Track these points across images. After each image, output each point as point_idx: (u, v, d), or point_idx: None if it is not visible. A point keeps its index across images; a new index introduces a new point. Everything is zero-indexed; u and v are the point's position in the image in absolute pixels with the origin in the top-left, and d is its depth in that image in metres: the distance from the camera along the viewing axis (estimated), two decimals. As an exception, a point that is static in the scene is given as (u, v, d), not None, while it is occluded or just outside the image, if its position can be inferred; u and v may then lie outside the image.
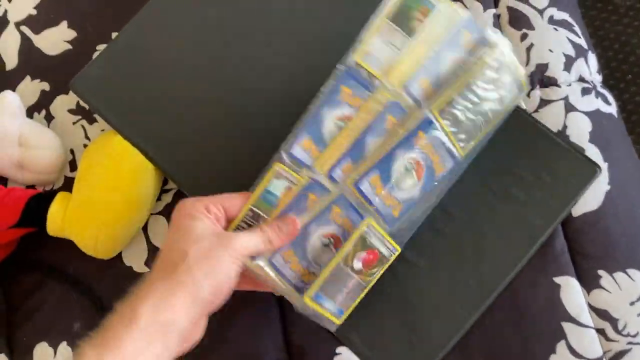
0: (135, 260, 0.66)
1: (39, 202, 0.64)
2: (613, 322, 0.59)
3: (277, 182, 0.54)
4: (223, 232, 0.51)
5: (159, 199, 0.68)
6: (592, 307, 0.60)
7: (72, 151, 0.71)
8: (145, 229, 0.67)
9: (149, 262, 0.66)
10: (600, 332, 0.60)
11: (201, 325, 0.52)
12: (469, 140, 0.57)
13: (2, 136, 0.66)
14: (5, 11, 0.76)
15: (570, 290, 0.60)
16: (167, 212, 0.67)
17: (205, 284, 0.48)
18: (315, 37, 0.65)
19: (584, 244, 0.62)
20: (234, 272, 0.50)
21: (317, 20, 0.66)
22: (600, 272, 0.61)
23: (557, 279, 0.61)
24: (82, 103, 0.71)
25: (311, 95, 0.56)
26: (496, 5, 0.71)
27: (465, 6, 0.70)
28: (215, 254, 0.49)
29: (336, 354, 0.61)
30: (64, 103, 0.72)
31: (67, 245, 0.65)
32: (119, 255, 0.66)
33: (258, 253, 0.52)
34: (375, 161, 0.54)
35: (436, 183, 0.56)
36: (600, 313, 0.60)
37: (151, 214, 0.67)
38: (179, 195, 0.67)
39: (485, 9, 0.70)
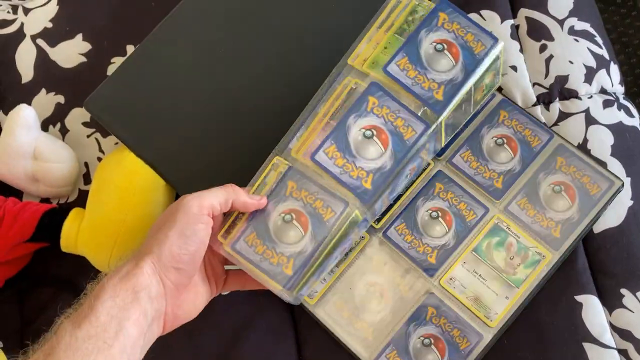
0: (148, 274, 0.66)
1: (52, 218, 0.64)
2: (636, 343, 0.58)
3: (273, 173, 0.55)
4: (184, 196, 0.52)
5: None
6: (614, 327, 0.59)
7: (86, 164, 0.71)
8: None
9: (161, 277, 0.65)
10: (623, 353, 0.58)
11: (190, 301, 0.53)
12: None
13: (17, 149, 0.66)
14: (22, 24, 0.77)
15: (592, 310, 0.59)
16: (180, 226, 0.67)
17: (164, 250, 0.49)
18: (315, 51, 0.65)
19: (606, 262, 0.60)
20: (196, 233, 0.50)
21: (315, 34, 0.66)
22: (623, 291, 0.59)
23: (579, 298, 0.59)
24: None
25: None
26: (514, 16, 0.69)
27: (482, 17, 0.68)
28: (170, 219, 0.50)
29: (349, 373, 0.60)
30: (78, 116, 0.72)
31: (80, 260, 0.65)
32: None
33: (220, 205, 0.52)
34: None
35: (413, 148, 0.54)
36: (623, 333, 0.58)
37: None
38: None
39: (502, 20, 0.68)
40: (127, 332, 0.46)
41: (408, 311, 0.60)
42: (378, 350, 0.59)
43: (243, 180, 0.58)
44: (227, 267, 0.59)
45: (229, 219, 0.55)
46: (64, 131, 0.72)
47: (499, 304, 0.58)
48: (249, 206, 0.54)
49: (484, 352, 0.58)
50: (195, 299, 0.54)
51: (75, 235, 0.63)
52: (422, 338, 0.59)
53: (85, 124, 0.72)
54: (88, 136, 0.71)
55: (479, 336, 0.58)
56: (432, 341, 0.59)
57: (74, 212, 0.64)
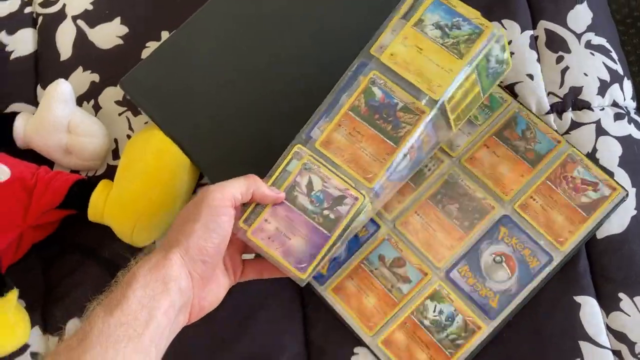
0: (167, 248, 0.69)
1: (82, 188, 0.67)
2: (630, 345, 0.60)
3: (295, 162, 0.58)
4: (206, 187, 0.54)
5: (194, 193, 0.70)
6: (610, 329, 0.61)
7: (115, 141, 0.74)
8: (179, 220, 0.70)
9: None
10: (617, 354, 0.60)
11: (214, 292, 0.55)
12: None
13: (52, 122, 0.70)
14: (64, 5, 0.80)
15: (590, 311, 0.61)
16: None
17: (191, 243, 0.50)
18: (338, 38, 0.69)
19: (607, 267, 0.63)
20: (220, 225, 0.51)
21: (338, 23, 0.69)
22: (621, 295, 0.62)
23: (578, 298, 0.62)
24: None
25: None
26: (534, 27, 0.72)
27: (503, 26, 0.71)
28: (194, 211, 0.52)
29: (354, 353, 0.63)
30: (111, 95, 0.75)
31: (104, 230, 0.68)
32: (152, 244, 0.69)
33: (242, 195, 0.54)
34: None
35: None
36: (618, 335, 0.61)
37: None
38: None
39: (522, 30, 0.71)
40: (157, 322, 0.48)
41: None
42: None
43: (266, 163, 0.61)
44: (244, 256, 0.61)
45: (249, 206, 0.57)
46: (97, 108, 0.75)
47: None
48: (267, 199, 0.56)
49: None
50: (217, 290, 0.56)
51: (102, 206, 0.66)
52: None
53: (117, 103, 0.75)
54: (119, 114, 0.75)
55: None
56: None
57: (102, 184, 0.68)
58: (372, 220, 0.65)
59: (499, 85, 0.68)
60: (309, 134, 0.59)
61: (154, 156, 0.66)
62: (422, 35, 0.59)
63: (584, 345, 0.60)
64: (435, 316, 0.62)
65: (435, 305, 0.62)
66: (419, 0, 0.59)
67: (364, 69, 0.59)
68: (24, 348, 0.67)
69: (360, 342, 0.63)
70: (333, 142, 0.58)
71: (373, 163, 0.57)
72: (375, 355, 0.62)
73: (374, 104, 0.58)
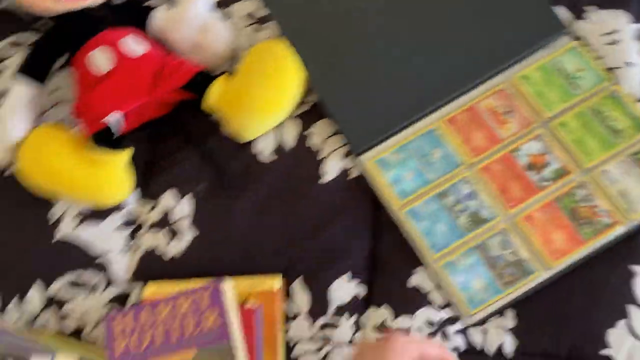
0: (264, 149, 0.76)
1: (204, 78, 0.75)
2: (678, 320, 0.63)
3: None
4: None
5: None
6: (660, 301, 0.65)
7: (236, 50, 0.82)
8: (279, 126, 0.77)
9: (276, 153, 0.76)
10: (663, 324, 0.64)
11: None
12: None
13: (189, 17, 0.78)
14: None
15: (644, 281, 0.65)
16: (301, 118, 0.77)
17: None
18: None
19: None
20: None
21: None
22: (679, 274, 0.65)
23: (634, 267, 0.65)
24: (255, 13, 0.82)
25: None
26: (642, 21, 0.76)
27: (615, 15, 0.76)
28: None
29: (412, 273, 0.69)
30: (242, 8, 0.83)
31: (212, 123, 0.77)
32: (251, 141, 0.76)
33: None
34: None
35: None
36: (668, 309, 0.64)
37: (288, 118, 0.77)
38: (315, 107, 0.77)
39: (631, 21, 0.75)
40: None
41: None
42: None
43: (381, 93, 0.71)
44: None
45: None
46: (226, 17, 0.83)
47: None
48: None
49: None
50: None
51: (219, 97, 0.74)
52: None
53: (246, 16, 0.83)
54: (246, 26, 0.82)
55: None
56: None
57: (224, 77, 0.75)
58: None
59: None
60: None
61: (276, 62, 0.74)
62: None
63: (631, 309, 0.64)
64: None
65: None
66: None
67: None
68: (121, 206, 0.76)
69: (420, 263, 0.69)
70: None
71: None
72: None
73: None
